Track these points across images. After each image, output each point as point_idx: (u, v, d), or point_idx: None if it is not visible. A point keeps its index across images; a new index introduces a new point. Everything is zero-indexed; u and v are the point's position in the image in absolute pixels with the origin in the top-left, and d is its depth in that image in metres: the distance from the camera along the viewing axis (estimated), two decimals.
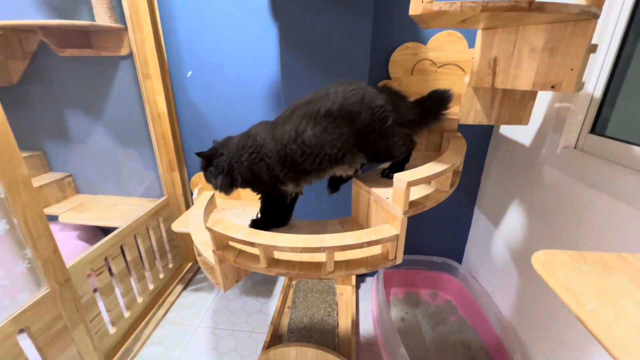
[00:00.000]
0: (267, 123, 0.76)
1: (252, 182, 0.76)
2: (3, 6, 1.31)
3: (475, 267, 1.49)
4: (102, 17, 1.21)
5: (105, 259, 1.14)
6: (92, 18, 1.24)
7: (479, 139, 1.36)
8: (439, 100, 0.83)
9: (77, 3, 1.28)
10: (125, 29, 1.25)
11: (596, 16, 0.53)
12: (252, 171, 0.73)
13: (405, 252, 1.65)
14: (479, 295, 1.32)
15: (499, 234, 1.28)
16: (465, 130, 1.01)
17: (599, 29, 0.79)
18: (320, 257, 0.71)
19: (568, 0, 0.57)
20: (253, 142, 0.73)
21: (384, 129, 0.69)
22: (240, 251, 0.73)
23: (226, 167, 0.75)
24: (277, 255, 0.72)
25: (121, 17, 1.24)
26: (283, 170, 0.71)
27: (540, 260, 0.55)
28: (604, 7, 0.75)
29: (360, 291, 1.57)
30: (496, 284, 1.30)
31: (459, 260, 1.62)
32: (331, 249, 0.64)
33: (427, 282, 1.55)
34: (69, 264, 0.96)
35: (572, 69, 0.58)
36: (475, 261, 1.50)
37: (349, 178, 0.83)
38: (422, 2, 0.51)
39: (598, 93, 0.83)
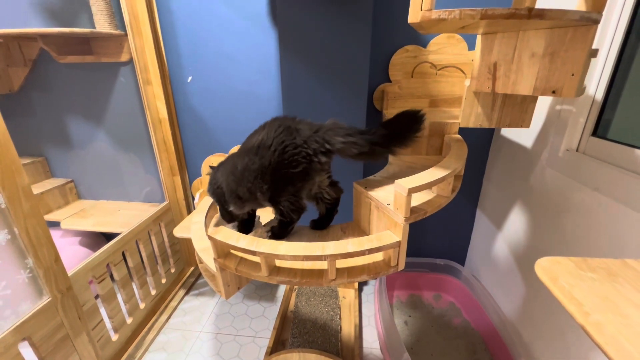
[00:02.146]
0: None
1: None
2: (4, 14, 1.32)
3: (478, 269, 1.48)
4: (102, 24, 1.22)
5: (107, 265, 1.14)
6: (92, 25, 1.24)
7: (481, 141, 1.35)
8: (408, 121, 0.74)
9: (78, 10, 1.29)
10: (125, 35, 1.25)
11: (596, 22, 0.53)
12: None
13: (408, 255, 1.64)
14: (482, 298, 1.31)
15: (502, 236, 1.27)
16: (467, 131, 1.00)
17: (599, 32, 0.78)
18: (322, 264, 0.71)
19: (568, 5, 0.57)
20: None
21: (290, 172, 0.66)
22: (242, 259, 0.72)
23: (214, 182, 0.77)
24: (279, 263, 0.71)
25: (121, 24, 1.25)
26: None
27: (544, 267, 0.54)
28: (604, 11, 0.75)
29: (363, 294, 1.57)
30: (499, 286, 1.29)
31: (462, 262, 1.61)
32: (333, 257, 0.63)
33: (430, 284, 1.54)
34: (70, 271, 0.96)
35: (572, 74, 0.57)
36: (478, 263, 1.49)
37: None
38: (421, 10, 0.51)
39: (599, 95, 0.83)
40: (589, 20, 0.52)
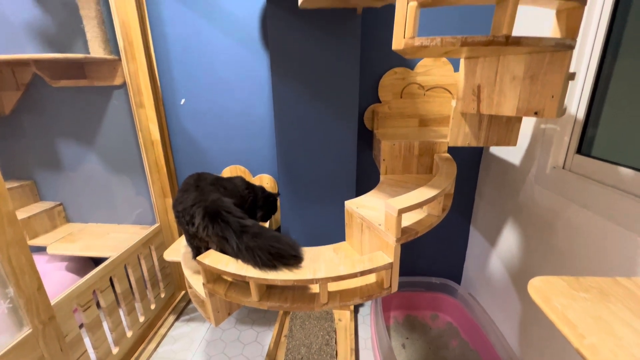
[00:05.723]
0: None
1: None
2: None
3: (474, 287, 1.47)
4: (97, 50, 1.24)
5: (94, 292, 1.10)
6: (87, 50, 1.26)
7: (471, 157, 1.37)
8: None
9: (72, 36, 1.31)
10: (119, 60, 1.27)
11: (571, 47, 0.55)
12: None
13: (403, 274, 1.62)
14: (480, 317, 1.29)
15: (496, 253, 1.26)
16: (456, 148, 1.02)
17: (576, 55, 0.82)
18: (314, 287, 0.69)
19: (544, 29, 0.59)
20: None
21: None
22: (231, 284, 0.71)
23: None
24: (269, 288, 0.70)
25: (115, 49, 1.27)
26: None
27: (536, 288, 0.54)
28: (580, 33, 0.79)
29: (360, 315, 1.53)
30: (496, 304, 1.28)
31: (458, 280, 1.59)
32: (324, 281, 0.62)
33: (426, 304, 1.51)
34: (54, 300, 0.92)
35: (552, 97, 0.59)
36: (474, 281, 1.47)
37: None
38: (404, 37, 0.53)
39: (581, 114, 0.86)
40: (564, 46, 0.54)
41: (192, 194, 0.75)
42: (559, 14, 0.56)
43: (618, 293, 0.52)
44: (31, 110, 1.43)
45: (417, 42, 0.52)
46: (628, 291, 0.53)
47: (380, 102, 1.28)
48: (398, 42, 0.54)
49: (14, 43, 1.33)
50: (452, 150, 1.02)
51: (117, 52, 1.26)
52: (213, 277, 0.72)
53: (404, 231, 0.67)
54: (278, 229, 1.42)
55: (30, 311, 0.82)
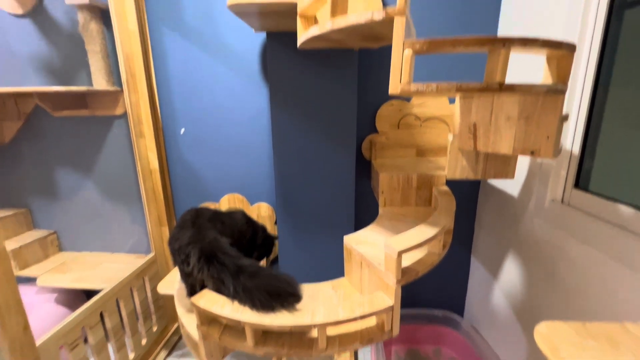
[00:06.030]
0: None
1: None
2: (2, 71, 1.36)
3: (477, 320, 1.42)
4: (100, 82, 1.27)
5: (83, 328, 1.06)
6: (90, 82, 1.29)
7: (469, 188, 1.38)
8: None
9: (76, 68, 1.34)
10: (121, 91, 1.29)
11: (563, 92, 0.57)
12: None
13: (404, 305, 1.56)
14: (485, 354, 1.24)
15: (498, 285, 1.24)
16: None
17: (568, 91, 0.84)
18: (312, 331, 0.67)
19: (537, 72, 0.61)
20: None
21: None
22: (226, 327, 0.68)
23: None
24: (265, 332, 0.67)
25: (118, 80, 1.30)
26: None
27: (543, 335, 0.52)
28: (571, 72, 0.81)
29: (360, 351, 1.47)
30: (502, 339, 1.23)
31: (461, 312, 1.55)
32: (323, 326, 0.60)
33: (429, 337, 1.46)
34: (40, 340, 0.88)
35: (547, 137, 0.60)
36: (477, 313, 1.43)
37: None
38: (400, 82, 0.54)
39: (576, 149, 0.87)
40: (556, 91, 0.56)
41: (189, 232, 0.74)
42: (549, 60, 0.58)
43: (627, 342, 0.50)
44: (31, 139, 1.44)
45: (414, 87, 0.53)
46: (637, 339, 0.51)
47: (377, 132, 1.30)
48: (395, 87, 0.55)
49: (17, 74, 1.36)
50: (450, 180, 1.02)
51: (120, 84, 1.28)
52: (207, 319, 0.69)
53: (405, 272, 0.66)
54: (275, 259, 1.40)
55: (14, 354, 0.78)
